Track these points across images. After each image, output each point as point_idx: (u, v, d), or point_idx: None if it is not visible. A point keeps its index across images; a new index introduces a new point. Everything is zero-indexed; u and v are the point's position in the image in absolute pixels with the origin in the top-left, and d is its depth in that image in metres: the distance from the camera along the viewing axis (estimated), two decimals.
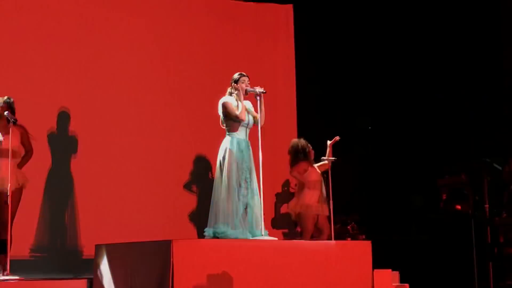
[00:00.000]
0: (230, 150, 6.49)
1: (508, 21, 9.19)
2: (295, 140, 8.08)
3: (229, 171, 6.44)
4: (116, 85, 8.53)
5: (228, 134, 6.59)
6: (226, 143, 6.56)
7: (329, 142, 7.92)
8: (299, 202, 7.81)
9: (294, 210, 7.86)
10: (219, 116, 6.62)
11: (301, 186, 7.87)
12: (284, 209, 8.88)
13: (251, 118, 6.62)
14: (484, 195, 8.18)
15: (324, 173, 7.85)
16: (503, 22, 9.23)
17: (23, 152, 6.55)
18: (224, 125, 6.63)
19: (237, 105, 6.56)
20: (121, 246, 6.19)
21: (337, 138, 7.91)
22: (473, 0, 9.32)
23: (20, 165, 6.50)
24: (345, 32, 9.83)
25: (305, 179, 7.82)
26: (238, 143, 6.54)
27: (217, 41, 9.36)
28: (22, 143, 6.49)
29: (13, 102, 6.46)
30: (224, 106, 6.55)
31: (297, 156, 7.87)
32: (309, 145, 7.94)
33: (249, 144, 6.63)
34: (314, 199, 7.79)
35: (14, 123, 6.21)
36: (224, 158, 6.50)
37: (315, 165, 7.93)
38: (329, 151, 7.87)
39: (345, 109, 9.69)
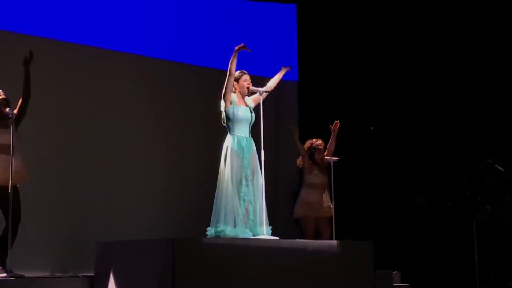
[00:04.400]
0: (231, 149, 6.47)
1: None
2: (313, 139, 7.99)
3: (229, 169, 6.41)
4: (119, 82, 8.52)
5: (230, 133, 6.58)
6: (228, 141, 6.54)
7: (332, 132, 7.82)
8: (302, 202, 7.79)
9: (297, 210, 7.84)
10: (221, 113, 6.61)
11: (305, 186, 7.84)
12: (287, 208, 8.86)
13: (252, 115, 6.61)
14: (486, 196, 8.17)
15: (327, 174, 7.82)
16: (507, 22, 9.23)
17: (21, 147, 6.29)
18: (226, 123, 6.62)
19: (238, 102, 6.56)
20: (123, 244, 6.18)
21: (337, 121, 7.81)
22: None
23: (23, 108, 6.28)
24: (348, 31, 9.83)
25: (310, 179, 7.80)
26: (239, 141, 6.52)
27: (219, 40, 9.34)
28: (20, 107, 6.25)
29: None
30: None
31: (311, 152, 7.81)
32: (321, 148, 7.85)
33: (252, 141, 6.60)
34: (317, 200, 7.76)
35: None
36: (225, 156, 6.48)
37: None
38: (332, 141, 7.79)
39: (347, 109, 9.68)
